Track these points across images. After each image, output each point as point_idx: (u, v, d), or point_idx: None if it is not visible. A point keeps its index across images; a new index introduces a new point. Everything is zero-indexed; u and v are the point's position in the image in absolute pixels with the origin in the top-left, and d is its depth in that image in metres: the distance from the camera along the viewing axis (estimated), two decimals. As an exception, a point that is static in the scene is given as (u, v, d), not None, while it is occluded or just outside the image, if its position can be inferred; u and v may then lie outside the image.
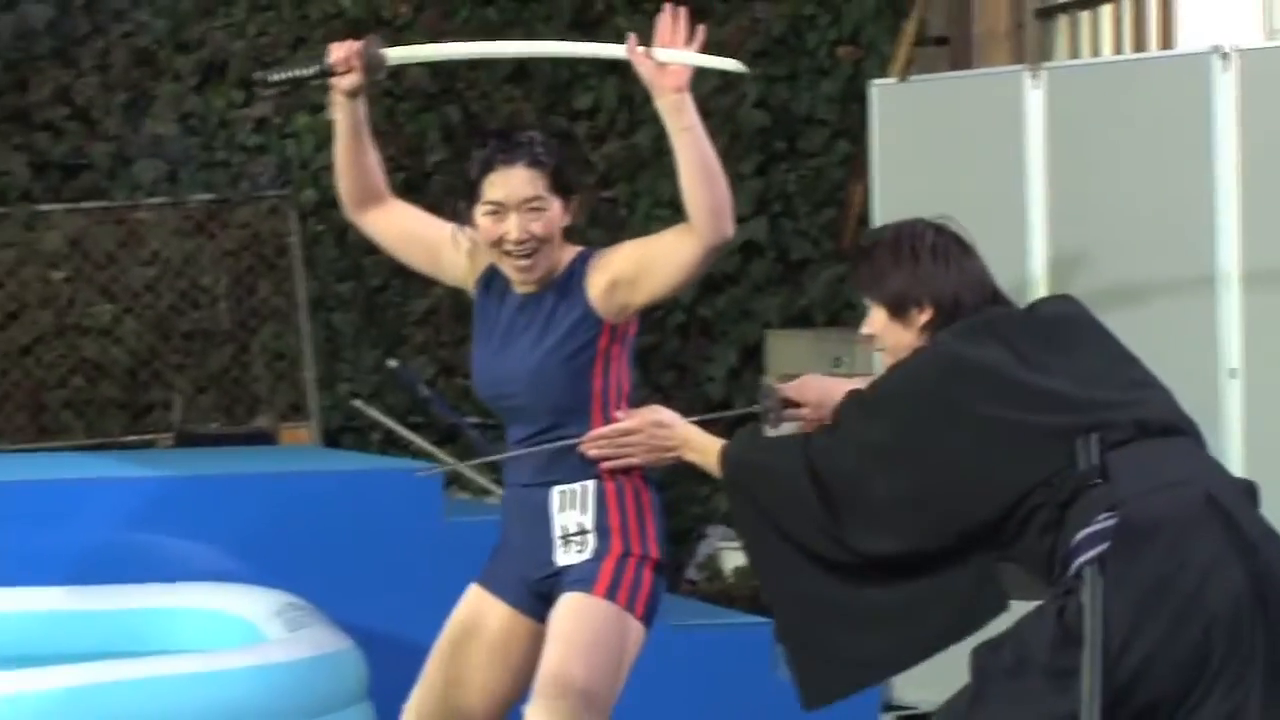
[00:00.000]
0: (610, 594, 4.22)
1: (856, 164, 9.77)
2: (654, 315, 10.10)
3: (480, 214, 4.28)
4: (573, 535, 4.29)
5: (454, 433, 9.68)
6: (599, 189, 10.24)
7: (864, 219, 8.54)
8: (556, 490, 4.30)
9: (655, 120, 11.44)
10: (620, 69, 10.27)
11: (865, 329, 4.41)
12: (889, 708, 7.49)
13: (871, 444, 4.03)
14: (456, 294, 5.01)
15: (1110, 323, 4.67)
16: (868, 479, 4.00)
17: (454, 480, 9.50)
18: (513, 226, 4.24)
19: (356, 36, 12.26)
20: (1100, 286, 6.81)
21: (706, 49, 4.16)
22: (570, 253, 4.34)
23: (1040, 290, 6.98)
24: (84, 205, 9.87)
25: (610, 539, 4.27)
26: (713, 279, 9.89)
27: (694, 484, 8.88)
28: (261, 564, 5.95)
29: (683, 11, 4.12)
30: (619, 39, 10.65)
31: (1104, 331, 4.19)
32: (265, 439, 9.26)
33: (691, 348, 10.04)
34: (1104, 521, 3.78)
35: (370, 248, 9.55)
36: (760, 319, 10.01)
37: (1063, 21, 9.88)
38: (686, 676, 6.65)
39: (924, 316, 4.29)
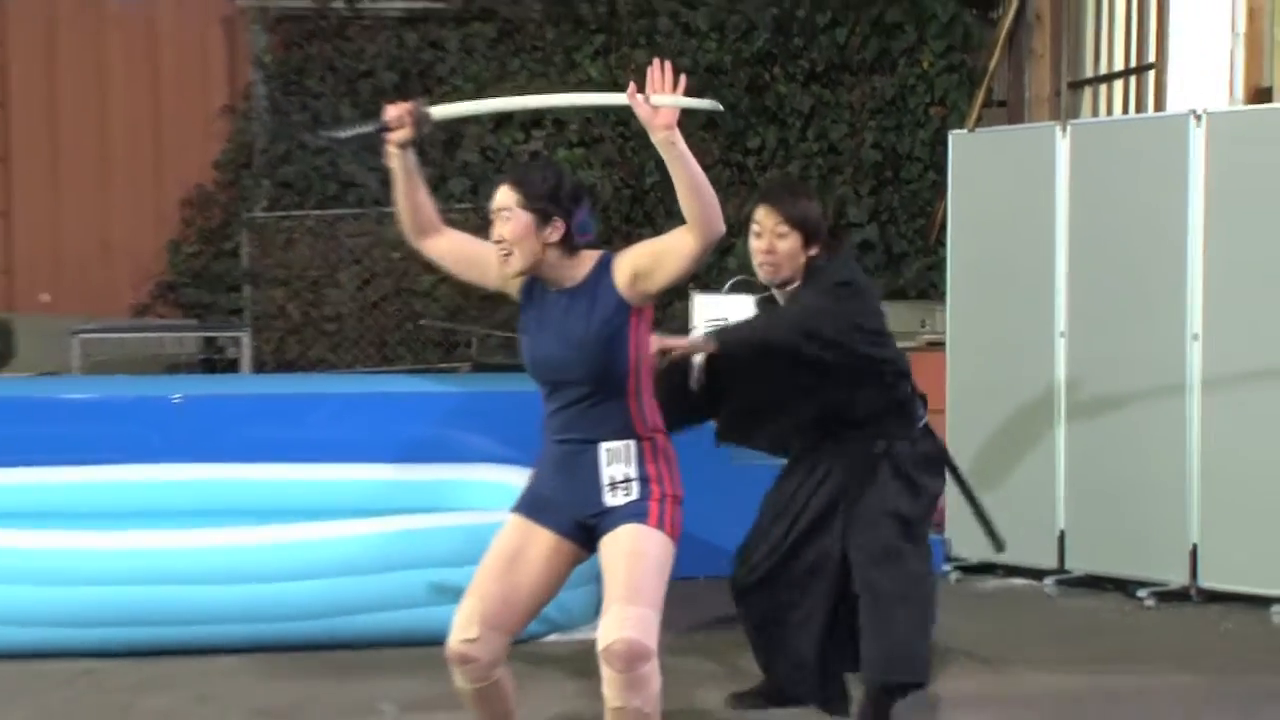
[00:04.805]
0: (659, 525, 4.42)
1: (940, 189, 10.61)
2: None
3: None
4: (619, 483, 4.44)
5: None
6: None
7: (943, 226, 8.79)
8: (604, 447, 4.44)
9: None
10: (779, 121, 11.32)
11: (775, 245, 4.98)
12: (947, 559, 7.83)
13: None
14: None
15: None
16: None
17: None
18: (493, 230, 4.46)
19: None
20: (1106, 308, 7.40)
21: (688, 92, 4.21)
22: (591, 258, 4.48)
23: (1061, 297, 7.53)
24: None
25: (649, 485, 4.44)
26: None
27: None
28: (532, 452, 5.33)
29: (669, 64, 4.23)
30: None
31: None
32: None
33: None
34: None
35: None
36: (872, 295, 10.30)
37: (1087, 91, 10.87)
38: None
39: (814, 250, 5.08)
